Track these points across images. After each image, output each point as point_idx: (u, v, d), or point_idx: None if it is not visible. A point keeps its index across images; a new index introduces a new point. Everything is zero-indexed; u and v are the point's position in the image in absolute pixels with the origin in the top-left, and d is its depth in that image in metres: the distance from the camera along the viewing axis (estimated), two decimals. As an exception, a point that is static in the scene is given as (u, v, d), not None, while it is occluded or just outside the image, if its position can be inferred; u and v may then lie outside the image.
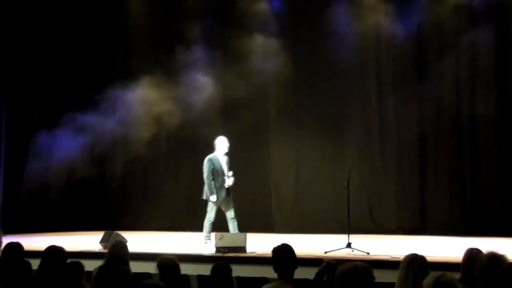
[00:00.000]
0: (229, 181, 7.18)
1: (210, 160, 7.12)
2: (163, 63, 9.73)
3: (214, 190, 7.11)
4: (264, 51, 9.68)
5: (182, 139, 10.40)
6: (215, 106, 9.78)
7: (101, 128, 9.52)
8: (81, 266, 3.68)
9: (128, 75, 9.80)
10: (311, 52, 9.62)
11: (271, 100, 10.07)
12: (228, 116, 9.94)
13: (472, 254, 3.67)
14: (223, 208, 7.22)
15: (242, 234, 6.96)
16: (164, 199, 10.70)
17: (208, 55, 9.77)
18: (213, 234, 7.01)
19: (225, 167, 7.20)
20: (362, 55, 9.59)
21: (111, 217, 10.54)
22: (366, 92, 9.85)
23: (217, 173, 7.11)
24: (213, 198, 7.15)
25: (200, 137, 9.92)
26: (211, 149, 9.75)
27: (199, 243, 7.71)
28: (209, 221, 7.21)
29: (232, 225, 7.15)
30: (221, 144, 7.16)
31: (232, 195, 7.17)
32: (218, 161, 7.16)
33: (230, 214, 7.18)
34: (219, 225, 7.40)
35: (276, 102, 10.07)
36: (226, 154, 7.21)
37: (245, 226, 7.33)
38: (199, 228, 8.95)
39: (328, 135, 9.87)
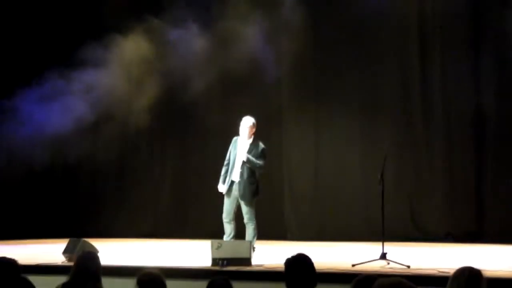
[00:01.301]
0: (235, 171, 7.41)
1: (232, 142, 7.56)
2: (144, 21, 9.73)
3: (221, 178, 7.51)
4: (273, 3, 9.60)
5: (169, 120, 10.53)
6: (210, 77, 9.64)
7: (66, 103, 9.50)
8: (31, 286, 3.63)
9: (100, 36, 9.68)
10: (334, 4, 9.56)
11: (283, 70, 10.00)
12: (228, 91, 9.99)
13: None
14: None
15: (246, 242, 7.04)
16: (146, 197, 10.80)
17: (203, 11, 9.68)
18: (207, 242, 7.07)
19: (240, 156, 7.42)
20: (401, 6, 9.50)
21: (77, 221, 10.58)
22: (406, 57, 9.77)
23: (229, 160, 7.50)
24: (219, 187, 7.53)
25: (192, 117, 10.20)
26: (205, 132, 10.07)
27: (191, 253, 7.88)
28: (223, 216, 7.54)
29: (246, 232, 7.40)
30: (241, 125, 7.49)
31: (248, 194, 7.37)
32: (235, 145, 7.48)
33: (244, 216, 7.44)
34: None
35: (290, 73, 10.04)
36: (255, 139, 7.46)
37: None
38: (191, 234, 9.77)
39: (356, 116, 9.88)
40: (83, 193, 10.99)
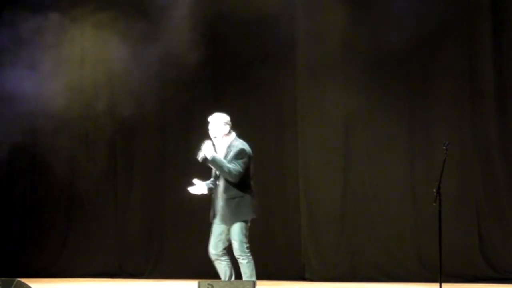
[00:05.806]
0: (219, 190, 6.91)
1: None
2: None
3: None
4: None
5: (136, 116, 10.20)
6: (191, 52, 9.41)
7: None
8: None
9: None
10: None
11: (298, 43, 9.68)
12: (217, 73, 9.94)
13: None
14: None
15: (248, 282, 6.48)
16: (107, 223, 10.67)
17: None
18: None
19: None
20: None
21: (12, 256, 10.59)
22: (476, 36, 9.19)
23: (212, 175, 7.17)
24: (195, 181, 7.07)
25: (170, 114, 10.20)
26: (184, 130, 9.98)
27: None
28: None
29: (241, 271, 6.90)
30: (210, 126, 7.02)
31: (229, 213, 6.80)
32: None
33: (233, 247, 6.92)
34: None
35: (307, 48, 9.64)
36: (234, 140, 6.91)
37: (257, 270, 6.86)
38: (168, 273, 9.76)
39: (399, 108, 9.42)
40: (21, 220, 10.89)
